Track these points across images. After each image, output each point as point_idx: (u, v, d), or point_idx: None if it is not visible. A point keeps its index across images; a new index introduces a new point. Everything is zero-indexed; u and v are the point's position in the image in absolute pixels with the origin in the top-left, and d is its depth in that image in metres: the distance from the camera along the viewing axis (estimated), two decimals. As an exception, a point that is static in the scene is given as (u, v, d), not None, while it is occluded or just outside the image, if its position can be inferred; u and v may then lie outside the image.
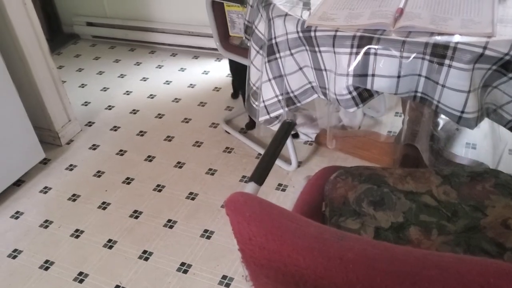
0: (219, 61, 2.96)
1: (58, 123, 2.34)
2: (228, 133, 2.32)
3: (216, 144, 2.26)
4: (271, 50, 1.37)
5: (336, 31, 1.19)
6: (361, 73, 1.17)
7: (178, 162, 2.18)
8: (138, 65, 3.02)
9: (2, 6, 1.96)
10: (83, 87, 2.85)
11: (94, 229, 1.88)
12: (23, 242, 1.86)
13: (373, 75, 1.16)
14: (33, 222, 1.95)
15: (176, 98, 2.64)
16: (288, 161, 2.08)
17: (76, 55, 3.21)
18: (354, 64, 1.16)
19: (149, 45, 3.18)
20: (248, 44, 1.73)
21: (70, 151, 2.33)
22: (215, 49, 2.96)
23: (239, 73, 2.22)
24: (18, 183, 2.14)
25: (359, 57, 1.15)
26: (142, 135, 2.39)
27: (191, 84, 2.75)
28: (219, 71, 2.86)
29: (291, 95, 1.40)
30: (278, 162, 2.08)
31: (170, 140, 2.33)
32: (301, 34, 1.26)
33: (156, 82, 2.81)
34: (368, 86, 1.18)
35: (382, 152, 1.97)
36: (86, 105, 2.68)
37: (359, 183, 1.20)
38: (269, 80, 1.42)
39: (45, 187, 2.12)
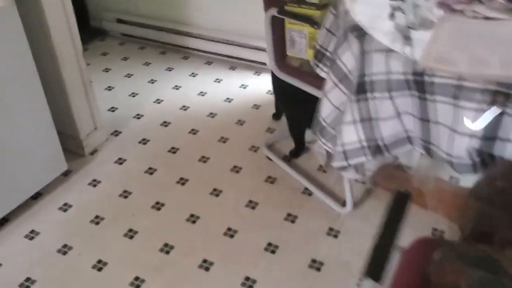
0: (258, 75, 2.73)
1: (84, 130, 2.12)
2: (270, 159, 2.10)
3: (256, 172, 2.04)
4: (361, 88, 1.15)
5: (460, 79, 0.96)
6: (491, 136, 0.94)
7: (214, 189, 1.95)
8: (170, 70, 2.80)
9: None
10: (109, 90, 2.63)
11: (119, 262, 1.66)
12: (37, 269, 1.64)
13: (507, 140, 0.93)
14: (50, 245, 1.73)
15: (211, 113, 2.42)
16: (339, 200, 1.86)
17: (103, 53, 2.99)
18: (482, 123, 0.94)
19: (182, 50, 2.95)
20: (317, 71, 1.51)
21: (94, 163, 2.11)
22: (254, 61, 2.74)
23: (284, 93, 2.00)
24: (35, 195, 1.91)
25: (491, 116, 0.93)
26: (174, 152, 2.16)
27: (227, 98, 2.53)
28: (258, 86, 2.63)
29: (380, 143, 1.18)
30: (327, 200, 1.86)
31: (205, 162, 2.10)
32: (410, 77, 1.04)
33: (190, 92, 2.59)
34: (497, 152, 0.96)
35: (448, 203, 1.75)
36: (112, 111, 2.46)
37: (469, 267, 0.98)
38: (354, 122, 1.19)
39: (65, 204, 1.90)
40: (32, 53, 1.72)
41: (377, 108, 1.14)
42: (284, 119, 2.30)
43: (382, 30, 1.15)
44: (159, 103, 2.52)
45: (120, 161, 2.12)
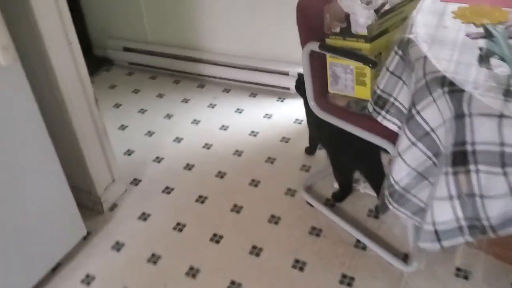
0: (282, 101, 2.51)
1: (100, 184, 1.89)
2: (311, 205, 1.87)
3: (298, 222, 1.81)
4: (461, 159, 0.93)
5: None
6: None
7: (254, 247, 1.72)
8: (186, 102, 2.57)
9: (39, 35, 1.52)
10: (123, 129, 2.41)
11: None
12: None
13: None
14: (75, 331, 1.51)
15: (237, 150, 2.19)
16: (398, 254, 1.63)
17: (111, 86, 2.76)
18: None
19: (197, 78, 2.73)
20: (379, 119, 1.29)
21: (115, 221, 1.89)
22: (276, 86, 2.52)
23: (326, 131, 1.76)
24: (54, 266, 1.69)
25: None
26: (202, 202, 1.94)
27: (252, 132, 2.30)
28: (284, 114, 2.41)
29: (485, 223, 0.95)
30: (385, 256, 1.63)
31: (238, 212, 1.88)
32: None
33: (211, 127, 2.37)
34: None
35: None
36: (129, 154, 2.23)
37: None
38: (450, 198, 0.97)
39: (87, 276, 1.67)
40: (39, 105, 1.49)
41: (483, 184, 0.92)
42: (319, 153, 2.09)
43: (480, 85, 0.92)
44: (179, 142, 2.29)
45: (144, 217, 1.89)
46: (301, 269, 1.63)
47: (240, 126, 2.35)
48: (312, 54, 1.56)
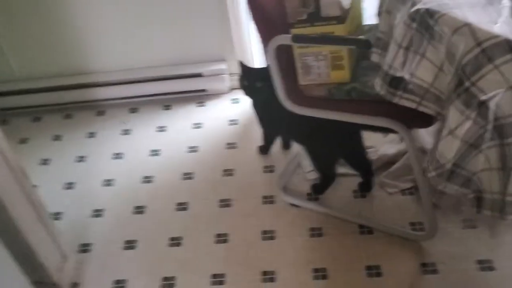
0: (203, 105, 2.29)
1: (54, 268, 1.51)
2: (297, 206, 1.74)
3: (293, 228, 1.67)
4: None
5: None
6: None
7: (264, 273, 1.54)
8: (93, 136, 2.20)
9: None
10: (34, 191, 1.96)
11: None
12: None
13: None
14: None
15: (185, 174, 1.94)
16: (405, 226, 1.60)
17: (-13, 143, 2.23)
18: None
19: (92, 105, 2.35)
20: (395, 101, 1.19)
21: (86, 304, 1.53)
22: (190, 91, 2.28)
23: (293, 123, 1.63)
24: None
25: None
26: (178, 245, 1.67)
27: (190, 148, 2.06)
28: (213, 119, 2.20)
29: None
30: (395, 232, 1.59)
31: (225, 241, 1.66)
32: None
33: (139, 156, 2.06)
34: None
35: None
36: (56, 219, 1.83)
37: None
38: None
39: None
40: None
41: None
42: (274, 148, 1.95)
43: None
44: (110, 184, 1.95)
45: (120, 286, 1.56)
46: (324, 277, 1.51)
47: (173, 145, 2.09)
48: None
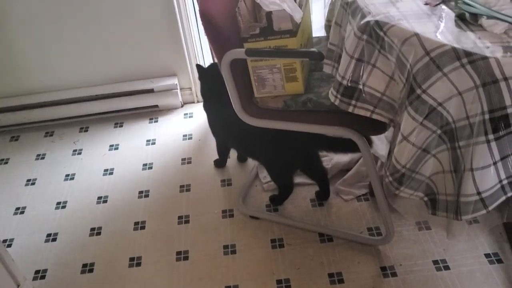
0: (156, 121, 2.26)
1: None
2: (257, 218, 1.74)
3: (254, 241, 1.67)
4: (504, 123, 0.93)
5: None
6: None
7: (228, 287, 1.53)
8: (43, 158, 2.12)
9: None
10: (-20, 218, 1.87)
11: None
12: None
13: None
14: None
15: (141, 192, 1.91)
16: (363, 231, 1.64)
17: None
18: None
19: (40, 126, 2.27)
20: (349, 110, 1.23)
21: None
22: (142, 108, 2.25)
23: (248, 137, 1.65)
24: None
25: None
26: (138, 265, 1.63)
27: (145, 165, 2.03)
28: (167, 135, 2.17)
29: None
30: (355, 238, 1.62)
31: (186, 258, 1.64)
32: None
33: (92, 177, 2.00)
34: None
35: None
36: (9, 245, 1.74)
37: None
38: (494, 163, 0.98)
39: None
40: None
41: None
42: (229, 162, 1.95)
43: (495, 48, 0.93)
44: (64, 207, 1.88)
45: (79, 312, 1.51)
46: (288, 287, 1.51)
47: (127, 163, 2.04)
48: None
